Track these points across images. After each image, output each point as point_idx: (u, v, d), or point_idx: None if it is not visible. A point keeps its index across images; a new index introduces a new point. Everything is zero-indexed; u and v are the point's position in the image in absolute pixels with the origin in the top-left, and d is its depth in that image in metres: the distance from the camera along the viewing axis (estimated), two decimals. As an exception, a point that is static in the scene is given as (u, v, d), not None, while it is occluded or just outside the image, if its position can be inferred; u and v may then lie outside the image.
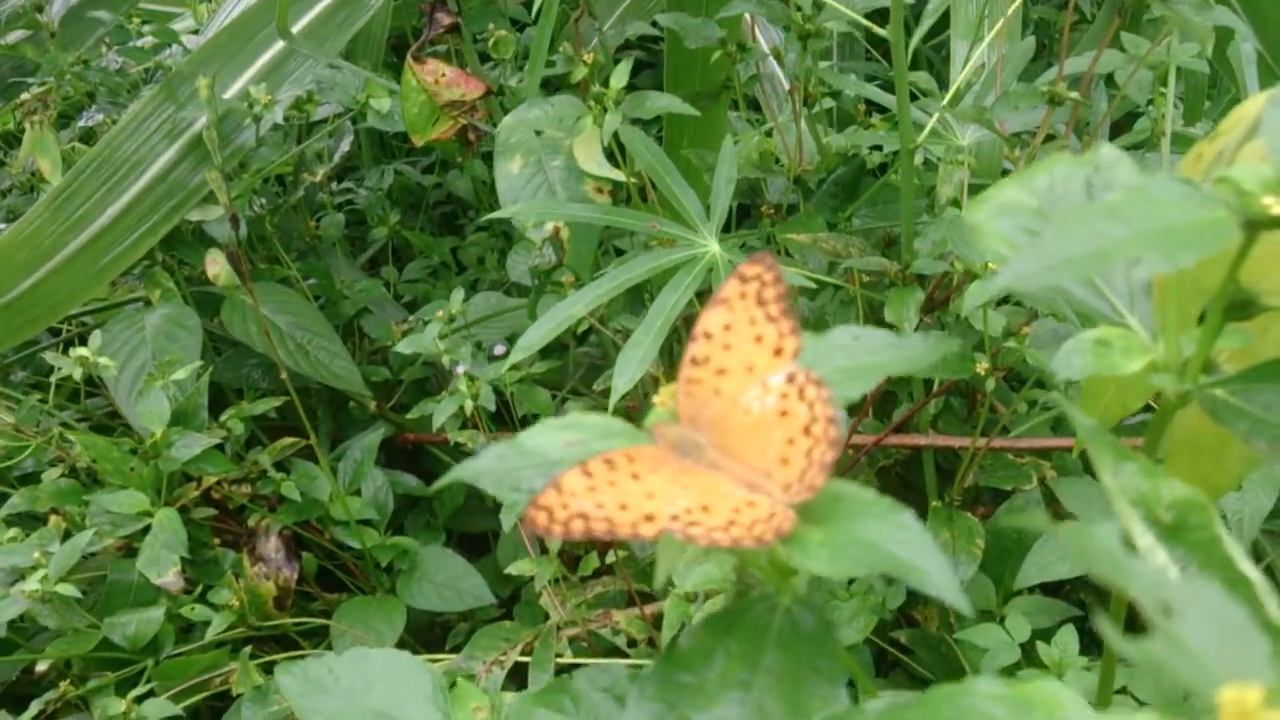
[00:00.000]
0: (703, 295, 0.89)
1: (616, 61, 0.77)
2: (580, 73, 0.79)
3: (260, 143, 1.02)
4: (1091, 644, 0.76)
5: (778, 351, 0.33)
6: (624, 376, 0.67)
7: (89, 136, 1.04)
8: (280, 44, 1.04)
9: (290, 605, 0.92)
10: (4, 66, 1.17)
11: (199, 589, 0.86)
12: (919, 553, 0.25)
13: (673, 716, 0.27)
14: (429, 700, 0.41)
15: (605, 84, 0.72)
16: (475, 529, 1.17)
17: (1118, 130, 1.16)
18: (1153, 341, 0.36)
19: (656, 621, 0.84)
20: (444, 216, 1.57)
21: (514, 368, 0.88)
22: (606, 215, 0.75)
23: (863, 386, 0.30)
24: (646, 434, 0.32)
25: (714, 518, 0.29)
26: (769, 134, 1.03)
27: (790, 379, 0.33)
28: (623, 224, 0.76)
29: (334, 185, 1.33)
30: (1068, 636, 0.71)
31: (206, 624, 0.83)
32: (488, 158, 1.43)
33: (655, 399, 0.32)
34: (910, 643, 0.84)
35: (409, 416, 1.03)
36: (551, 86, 1.26)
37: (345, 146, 1.15)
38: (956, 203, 0.90)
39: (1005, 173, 1.06)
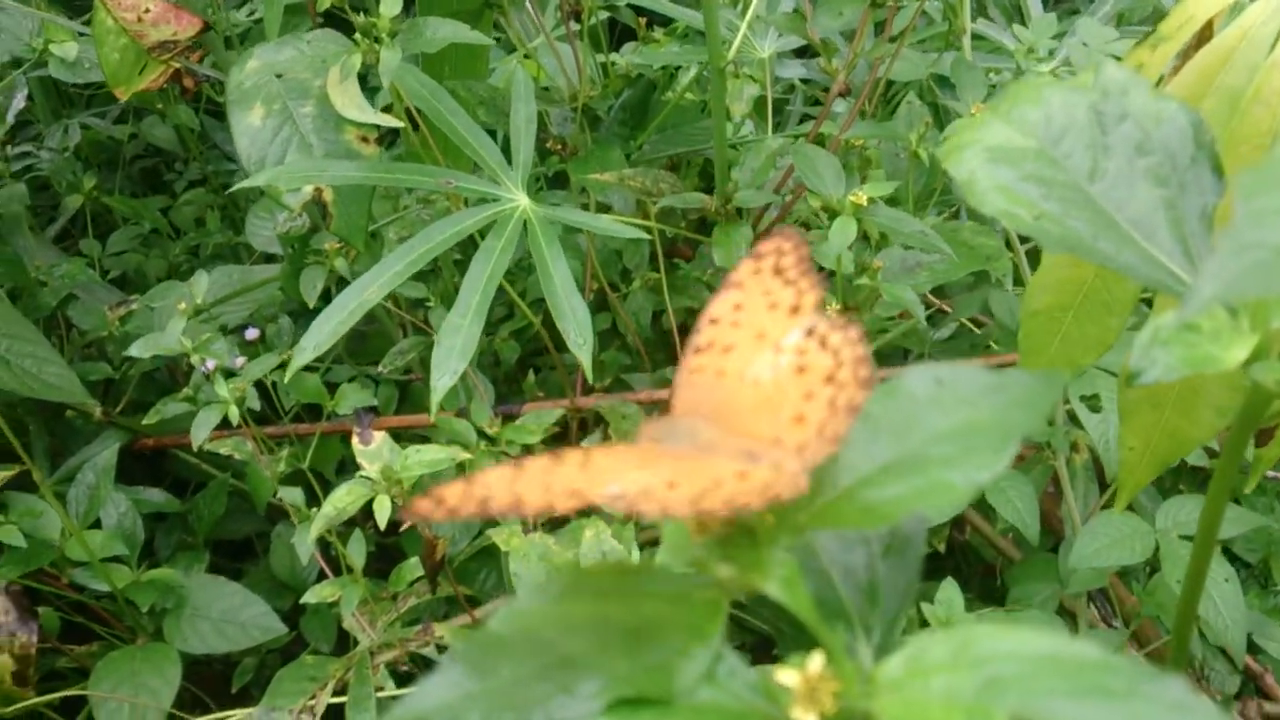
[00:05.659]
0: (523, 261, 0.77)
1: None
2: (326, 1, 0.64)
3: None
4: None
5: (794, 310, 0.30)
6: (446, 373, 0.55)
7: None
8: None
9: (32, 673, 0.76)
10: None
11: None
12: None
13: None
14: None
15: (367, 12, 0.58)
16: (238, 535, 1.02)
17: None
18: (1231, 319, 0.29)
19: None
20: (144, 173, 1.35)
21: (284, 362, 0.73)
22: (387, 173, 0.62)
23: (998, 457, 0.20)
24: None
25: (678, 492, 0.25)
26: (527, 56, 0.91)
27: (809, 332, 0.30)
28: (408, 182, 0.63)
29: (8, 150, 1.11)
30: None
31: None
32: (196, 100, 1.24)
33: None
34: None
35: (145, 421, 0.86)
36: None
37: (20, 102, 0.94)
38: (761, 116, 0.83)
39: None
